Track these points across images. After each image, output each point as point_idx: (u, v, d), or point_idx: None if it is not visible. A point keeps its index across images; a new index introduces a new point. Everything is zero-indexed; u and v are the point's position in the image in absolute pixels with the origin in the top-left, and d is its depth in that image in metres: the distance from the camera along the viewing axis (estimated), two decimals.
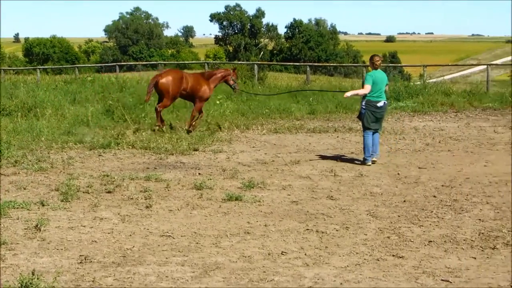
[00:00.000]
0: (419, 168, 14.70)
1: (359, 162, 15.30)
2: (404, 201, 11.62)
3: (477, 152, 16.70)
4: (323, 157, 16.04)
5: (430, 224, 10.10)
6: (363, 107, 15.41)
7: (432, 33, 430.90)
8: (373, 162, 15.29)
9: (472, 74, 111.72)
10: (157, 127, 19.39)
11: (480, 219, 10.33)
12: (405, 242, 9.20)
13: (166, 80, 19.52)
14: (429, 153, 16.63)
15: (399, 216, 10.63)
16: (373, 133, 15.48)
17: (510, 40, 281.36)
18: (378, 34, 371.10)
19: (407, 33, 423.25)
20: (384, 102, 15.48)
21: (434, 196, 11.93)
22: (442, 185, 12.86)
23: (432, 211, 10.86)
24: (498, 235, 9.43)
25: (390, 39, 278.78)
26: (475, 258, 8.44)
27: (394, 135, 19.44)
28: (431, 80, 36.65)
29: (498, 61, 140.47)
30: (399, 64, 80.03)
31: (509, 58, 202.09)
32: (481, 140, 18.53)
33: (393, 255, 8.60)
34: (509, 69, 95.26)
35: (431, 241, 9.19)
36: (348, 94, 16.21)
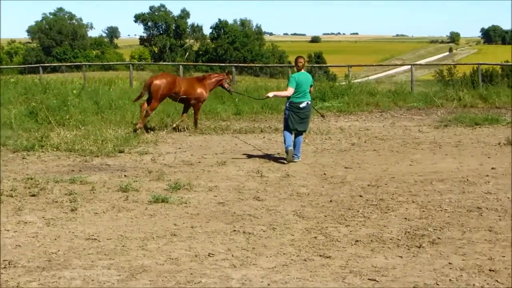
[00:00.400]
0: (345, 168, 14.79)
1: (286, 162, 15.34)
2: (331, 201, 11.65)
3: (402, 151, 16.89)
4: (250, 158, 16.03)
5: (357, 224, 10.15)
6: (287, 108, 15.61)
7: (357, 34, 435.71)
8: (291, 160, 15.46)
9: (397, 74, 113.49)
10: (139, 126, 19.80)
11: (406, 218, 10.41)
12: (332, 242, 9.22)
13: (160, 82, 20.07)
14: (355, 153, 16.75)
15: (325, 216, 10.65)
16: (297, 135, 15.69)
17: (434, 41, 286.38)
18: (304, 35, 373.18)
19: (332, 33, 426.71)
20: (307, 103, 15.62)
21: (360, 196, 12.00)
22: (368, 185, 12.95)
23: (358, 211, 10.91)
24: (424, 234, 9.51)
25: (315, 40, 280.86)
26: (401, 257, 8.49)
27: (320, 135, 19.54)
28: (356, 80, 37.09)
29: (422, 61, 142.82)
30: (324, 65, 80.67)
31: (433, 58, 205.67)
32: (406, 139, 18.75)
33: (320, 255, 8.59)
34: (433, 69, 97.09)
35: (357, 241, 9.22)
36: (270, 94, 16.57)
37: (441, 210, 10.86)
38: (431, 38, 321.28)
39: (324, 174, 14.09)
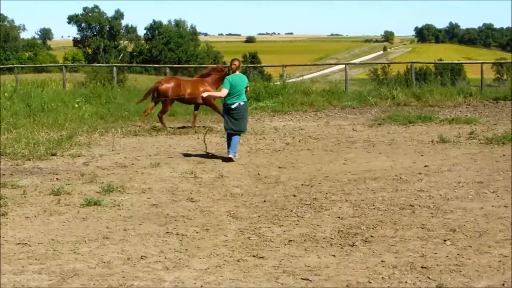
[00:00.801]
0: (279, 168, 14.80)
1: (223, 161, 15.37)
2: (265, 201, 11.65)
3: (336, 150, 16.97)
4: (184, 159, 15.94)
5: (290, 224, 10.15)
6: (223, 109, 16.02)
7: (292, 33, 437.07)
8: (229, 158, 15.66)
9: (332, 74, 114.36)
10: (163, 126, 21.15)
11: (339, 217, 10.45)
12: (266, 242, 9.19)
13: (166, 87, 20.95)
14: (289, 152, 16.79)
15: (259, 216, 10.63)
16: (234, 135, 15.82)
17: (368, 40, 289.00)
18: (239, 35, 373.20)
19: (267, 33, 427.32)
20: (239, 104, 15.84)
21: (294, 196, 12.01)
22: (302, 184, 12.97)
23: (292, 211, 10.92)
24: (357, 232, 9.55)
25: (250, 40, 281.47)
26: (334, 255, 8.51)
27: (255, 135, 19.53)
28: (291, 80, 37.17)
29: (357, 60, 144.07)
30: (259, 65, 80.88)
31: (367, 57, 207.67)
32: (340, 138, 18.86)
33: (254, 256, 8.56)
34: (367, 68, 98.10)
35: (291, 241, 9.21)
36: (205, 94, 17.21)
37: (374, 209, 10.93)
38: (366, 37, 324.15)
39: (258, 174, 14.09)
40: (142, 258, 8.53)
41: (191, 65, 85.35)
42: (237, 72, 16.05)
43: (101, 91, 28.04)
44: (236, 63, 16.14)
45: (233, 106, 15.72)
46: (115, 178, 13.66)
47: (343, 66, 37.62)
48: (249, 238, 9.42)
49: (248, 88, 16.48)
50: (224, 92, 15.71)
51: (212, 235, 9.61)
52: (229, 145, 15.83)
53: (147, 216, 10.70)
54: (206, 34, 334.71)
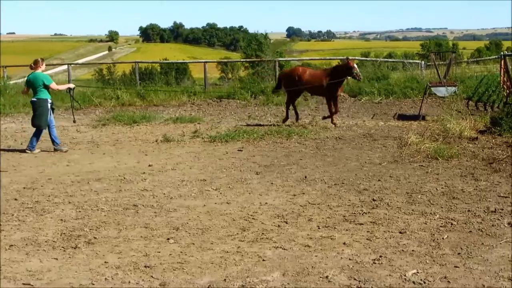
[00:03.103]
0: (1, 171, 14.33)
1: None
2: None
3: (59, 152, 16.74)
4: None
5: (12, 228, 9.83)
6: None
7: (14, 33, 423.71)
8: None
9: (56, 74, 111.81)
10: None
11: (62, 219, 10.27)
12: None
13: (287, 75, 21.87)
14: (10, 155, 16.31)
15: None
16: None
17: (93, 40, 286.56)
18: None
19: None
20: (32, 100, 17.08)
21: (16, 199, 11.66)
22: (24, 187, 12.64)
23: (13, 215, 10.58)
24: (80, 234, 9.44)
25: None
26: (57, 259, 8.34)
27: None
28: (12, 82, 36.01)
29: (82, 60, 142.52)
30: None
31: (92, 57, 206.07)
32: (64, 140, 18.57)
33: None
34: (92, 68, 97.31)
35: (12, 245, 8.93)
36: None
37: (98, 210, 10.85)
38: (90, 37, 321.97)
39: None
40: None
41: None
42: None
43: None
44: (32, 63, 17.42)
45: (31, 102, 17.15)
46: None
47: (66, 66, 37.11)
48: None
49: (52, 85, 17.16)
50: (25, 89, 17.65)
51: None
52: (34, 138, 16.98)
53: None
54: None
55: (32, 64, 17.31)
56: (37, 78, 16.94)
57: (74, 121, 19.83)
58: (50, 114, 16.89)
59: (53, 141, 16.97)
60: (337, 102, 21.12)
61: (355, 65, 20.72)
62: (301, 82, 20.87)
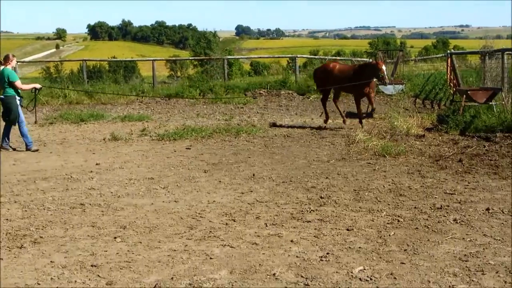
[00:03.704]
0: None
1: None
2: None
3: (5, 151, 16.55)
4: None
5: None
6: None
7: None
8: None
9: None
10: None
11: (7, 219, 10.13)
12: None
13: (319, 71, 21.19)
14: None
15: None
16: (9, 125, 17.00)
17: (40, 37, 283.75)
18: None
19: None
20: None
21: None
22: None
23: None
24: (26, 234, 9.33)
25: None
26: (2, 259, 8.23)
27: None
28: None
29: (29, 58, 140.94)
30: None
31: (40, 55, 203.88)
32: (11, 138, 18.32)
33: None
34: (39, 66, 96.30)
35: None
36: None
37: (44, 209, 10.74)
38: (37, 35, 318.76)
39: None
40: None
41: None
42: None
43: None
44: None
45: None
46: None
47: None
48: None
49: (17, 84, 16.76)
50: None
51: None
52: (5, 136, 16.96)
53: None
54: None
55: (1, 60, 16.96)
56: (3, 74, 16.57)
57: (36, 122, 19.67)
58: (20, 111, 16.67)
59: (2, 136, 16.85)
60: (371, 99, 20.38)
61: (384, 67, 19.59)
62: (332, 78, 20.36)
